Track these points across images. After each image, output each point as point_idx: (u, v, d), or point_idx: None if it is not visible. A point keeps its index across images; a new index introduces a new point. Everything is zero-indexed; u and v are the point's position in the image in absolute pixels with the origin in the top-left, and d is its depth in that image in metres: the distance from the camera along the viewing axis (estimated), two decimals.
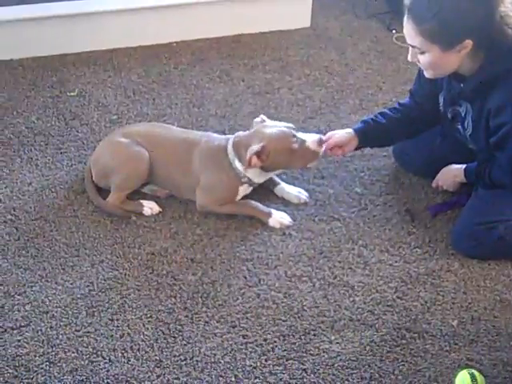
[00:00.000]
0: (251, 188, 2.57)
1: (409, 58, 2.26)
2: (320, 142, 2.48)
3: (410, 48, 2.22)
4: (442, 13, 2.08)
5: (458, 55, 2.15)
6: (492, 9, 2.08)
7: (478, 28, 2.09)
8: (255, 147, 2.40)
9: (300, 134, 2.49)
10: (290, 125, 2.52)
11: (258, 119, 2.58)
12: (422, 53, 2.18)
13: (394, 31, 3.82)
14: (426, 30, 2.11)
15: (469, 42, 2.11)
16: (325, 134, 2.57)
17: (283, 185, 2.67)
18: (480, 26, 2.09)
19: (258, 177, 2.53)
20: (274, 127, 2.49)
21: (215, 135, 2.65)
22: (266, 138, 2.43)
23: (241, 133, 2.56)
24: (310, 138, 2.48)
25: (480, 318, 2.19)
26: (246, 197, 2.58)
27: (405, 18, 2.17)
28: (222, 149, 2.53)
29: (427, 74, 2.31)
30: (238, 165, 2.49)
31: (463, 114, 2.34)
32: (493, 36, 2.11)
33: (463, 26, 2.09)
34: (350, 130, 2.58)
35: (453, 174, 2.58)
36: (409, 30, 2.17)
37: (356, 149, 2.62)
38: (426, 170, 2.70)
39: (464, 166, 2.52)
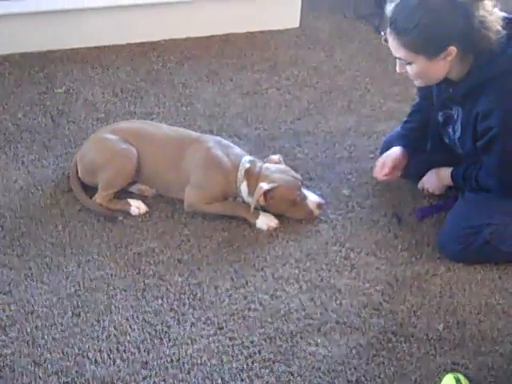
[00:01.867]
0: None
1: (397, 70, 2.27)
2: (319, 206, 2.54)
3: (397, 60, 2.24)
4: (421, 23, 2.09)
5: (445, 62, 2.17)
6: (470, 14, 2.08)
7: (458, 34, 2.11)
8: (266, 186, 2.44)
9: (304, 191, 2.54)
10: (299, 177, 2.56)
11: (275, 157, 2.62)
12: (409, 63, 2.20)
13: (382, 33, 3.78)
14: (409, 41, 2.13)
15: (453, 49, 2.12)
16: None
17: None
18: (460, 33, 2.10)
19: (252, 204, 2.50)
20: (286, 173, 2.53)
21: (219, 139, 2.63)
22: (278, 182, 2.47)
23: (257, 161, 2.57)
24: (312, 198, 2.54)
25: (465, 322, 2.21)
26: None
27: (388, 31, 2.19)
28: (233, 164, 2.53)
29: (418, 84, 2.32)
30: (243, 188, 2.52)
31: (455, 117, 2.35)
32: (476, 41, 2.12)
33: (444, 34, 2.11)
34: (398, 150, 2.59)
35: (439, 176, 2.60)
36: (392, 42, 2.19)
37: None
38: (413, 173, 2.70)
39: (451, 169, 2.53)
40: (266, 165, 2.56)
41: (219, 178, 2.53)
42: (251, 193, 2.50)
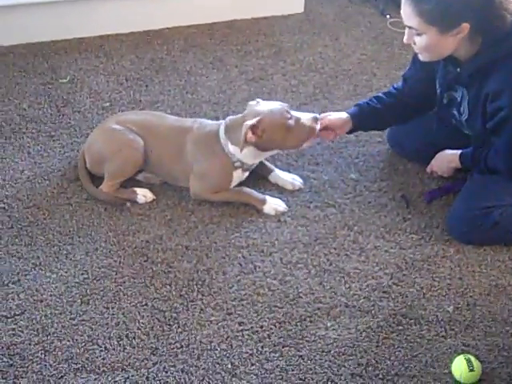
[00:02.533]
0: (246, 174, 2.55)
1: (404, 40, 2.24)
2: (315, 119, 2.46)
3: (407, 29, 2.21)
4: None
5: (455, 39, 2.14)
6: None
7: (477, 11, 2.08)
8: (250, 121, 2.38)
9: (295, 113, 2.47)
10: (285, 104, 2.49)
11: (252, 102, 2.54)
12: (419, 34, 2.17)
13: (388, 16, 3.79)
14: (425, 10, 2.10)
15: (466, 26, 2.10)
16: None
17: (277, 171, 2.66)
18: (479, 10, 2.08)
19: (251, 158, 2.49)
20: (268, 105, 2.47)
21: (207, 121, 2.63)
22: (262, 114, 2.41)
23: (232, 116, 2.54)
24: (305, 116, 2.47)
25: (475, 304, 2.20)
26: (240, 184, 2.57)
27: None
28: (213, 134, 2.51)
29: (422, 57, 2.29)
30: (230, 148, 2.46)
31: (459, 99, 2.33)
32: (491, 20, 2.11)
33: (462, 9, 2.08)
34: (344, 114, 2.57)
35: (448, 159, 2.58)
36: (407, 10, 2.15)
37: (349, 132, 2.61)
38: (421, 156, 2.69)
39: (459, 151, 2.51)
40: (246, 111, 2.50)
41: (213, 161, 2.50)
42: (238, 143, 2.42)
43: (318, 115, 2.49)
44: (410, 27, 2.18)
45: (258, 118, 2.39)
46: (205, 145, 2.51)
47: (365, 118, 2.57)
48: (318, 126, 2.47)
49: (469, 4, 2.08)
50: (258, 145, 2.44)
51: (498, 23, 2.11)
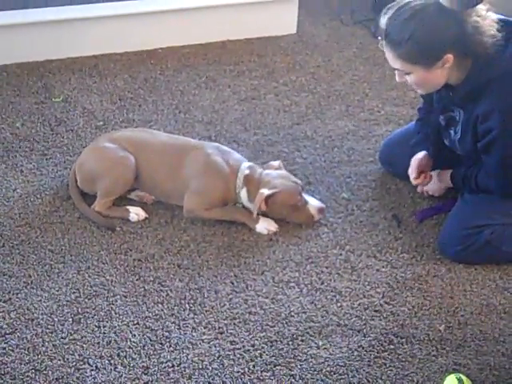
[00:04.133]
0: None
1: (397, 79, 2.29)
2: (320, 211, 2.54)
3: (396, 70, 2.25)
4: (415, 35, 2.11)
5: (443, 69, 2.18)
6: (462, 21, 2.09)
7: (453, 42, 2.12)
8: (268, 192, 2.44)
9: (305, 195, 2.54)
10: (300, 182, 2.57)
11: (275, 163, 2.61)
12: (407, 74, 2.21)
13: (379, 38, 3.80)
14: (404, 53, 2.15)
15: (449, 57, 2.13)
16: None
17: None
18: (455, 40, 2.11)
19: (253, 210, 2.51)
20: (287, 179, 2.52)
21: (214, 144, 2.65)
22: (279, 188, 2.47)
23: (257, 167, 2.57)
24: (313, 203, 2.54)
25: (467, 323, 2.20)
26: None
27: (383, 44, 2.21)
28: (232, 170, 2.53)
29: (419, 91, 2.36)
30: (243, 194, 2.52)
31: (457, 119, 2.36)
32: (471, 47, 2.13)
33: (438, 43, 2.12)
34: (422, 154, 2.54)
35: (439, 179, 2.60)
36: (388, 54, 2.21)
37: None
38: None
39: (450, 171, 2.54)
40: (267, 171, 2.56)
41: (218, 184, 2.53)
42: (251, 199, 2.51)
43: (323, 206, 2.56)
44: (396, 69, 2.22)
45: (275, 191, 2.45)
46: (218, 172, 2.53)
47: (432, 145, 2.55)
48: (321, 217, 2.55)
49: (444, 36, 2.11)
50: (263, 210, 2.50)
51: (478, 48, 2.14)
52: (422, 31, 2.11)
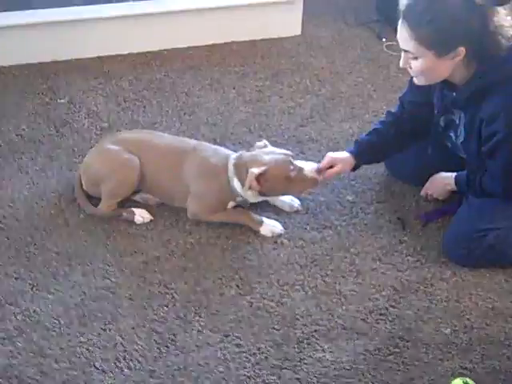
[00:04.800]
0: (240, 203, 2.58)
1: (401, 64, 2.26)
2: (318, 171, 2.49)
3: (403, 53, 2.23)
4: (438, 19, 2.09)
5: (451, 62, 2.17)
6: (486, 18, 2.09)
7: (472, 37, 2.11)
8: (256, 170, 2.40)
9: (298, 162, 2.49)
10: (289, 152, 2.53)
11: (260, 143, 2.58)
12: (415, 58, 2.19)
13: (384, 40, 3.83)
14: (421, 34, 2.12)
15: (462, 50, 2.12)
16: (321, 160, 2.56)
17: None
18: (475, 35, 2.10)
19: (253, 198, 2.52)
20: (274, 153, 2.49)
21: (211, 146, 2.65)
22: (267, 164, 2.43)
23: (243, 153, 2.56)
24: (308, 167, 2.49)
25: (473, 326, 2.20)
26: (237, 205, 2.58)
27: (399, 22, 2.17)
28: (221, 165, 2.51)
29: (418, 81, 2.31)
30: (236, 184, 2.49)
31: (457, 122, 2.35)
32: (486, 45, 2.13)
33: (458, 34, 2.11)
34: (345, 153, 2.57)
35: (443, 182, 2.60)
36: (403, 34, 2.17)
37: (352, 170, 2.61)
38: (416, 178, 2.70)
39: (454, 174, 2.54)
40: (252, 152, 2.53)
41: (214, 186, 2.52)
42: (243, 184, 2.46)
43: (320, 165, 2.51)
44: (406, 51, 2.21)
45: (263, 169, 2.40)
46: (209, 171, 2.52)
47: (366, 155, 2.57)
48: (321, 177, 2.49)
49: (465, 28, 2.10)
50: (260, 191, 2.47)
51: (492, 48, 2.13)
52: (444, 17, 2.09)
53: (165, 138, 2.70)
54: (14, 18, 3.44)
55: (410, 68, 2.25)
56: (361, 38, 3.92)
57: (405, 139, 2.59)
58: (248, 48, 3.74)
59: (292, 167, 2.45)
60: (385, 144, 2.58)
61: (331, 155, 2.55)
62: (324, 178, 2.53)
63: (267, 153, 2.50)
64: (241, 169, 2.47)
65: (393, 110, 2.62)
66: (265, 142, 2.59)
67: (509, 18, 2.14)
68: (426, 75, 2.26)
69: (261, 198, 2.56)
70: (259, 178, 2.41)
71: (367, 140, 2.58)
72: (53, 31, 3.47)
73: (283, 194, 2.57)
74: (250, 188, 2.42)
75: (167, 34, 3.66)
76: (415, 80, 2.32)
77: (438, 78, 2.27)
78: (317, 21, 4.05)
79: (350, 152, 2.57)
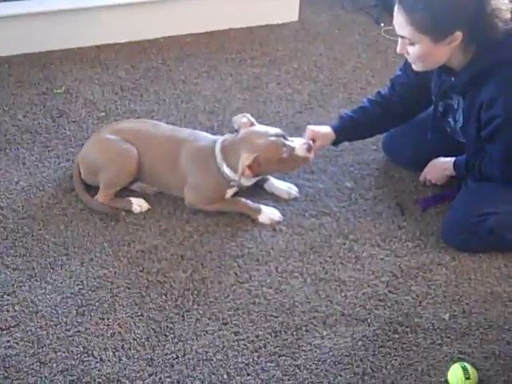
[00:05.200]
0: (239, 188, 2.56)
1: (397, 50, 2.25)
2: (309, 148, 2.45)
3: (400, 39, 2.21)
4: (433, 3, 2.08)
5: (448, 47, 2.15)
6: (483, 1, 2.07)
7: (469, 20, 2.09)
8: (247, 160, 2.37)
9: (289, 141, 2.44)
10: (278, 130, 2.47)
11: (243, 119, 2.51)
12: (412, 44, 2.18)
13: (382, 24, 3.80)
14: (417, 19, 2.10)
15: (459, 34, 2.10)
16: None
17: (273, 180, 2.66)
18: (471, 19, 2.08)
19: (246, 181, 2.51)
20: (264, 136, 2.43)
21: (202, 134, 2.62)
22: (258, 150, 2.39)
23: (228, 136, 2.53)
24: (299, 145, 2.44)
25: (471, 311, 2.20)
26: (235, 193, 2.57)
27: (395, 8, 2.16)
28: (209, 151, 2.49)
29: (415, 67, 2.30)
30: (226, 170, 2.46)
31: (456, 107, 2.34)
32: (483, 29, 2.11)
33: (454, 18, 2.09)
34: (327, 127, 2.58)
35: (442, 167, 2.58)
36: (399, 19, 2.15)
37: (333, 144, 2.63)
38: (415, 164, 2.69)
39: (453, 159, 2.52)
40: (241, 132, 2.47)
41: (209, 176, 2.50)
42: (235, 169, 2.43)
43: (310, 142, 2.47)
44: (402, 37, 2.19)
45: (254, 156, 2.37)
46: (200, 160, 2.51)
47: (348, 132, 2.59)
48: (312, 155, 2.47)
49: (461, 12, 2.08)
50: (254, 174, 2.45)
51: (490, 31, 2.12)
52: (440, 2, 2.08)
53: (162, 127, 2.68)
54: (10, 7, 3.42)
55: (408, 54, 2.23)
56: (359, 23, 3.90)
57: (389, 120, 2.61)
58: (245, 35, 3.72)
59: (284, 149, 2.41)
60: (368, 123, 2.59)
61: (312, 128, 2.55)
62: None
63: (259, 134, 2.44)
64: (229, 154, 2.45)
65: (382, 92, 2.61)
66: (248, 116, 2.52)
67: (506, 0, 2.12)
68: (423, 61, 2.24)
69: (256, 179, 2.54)
70: (250, 164, 2.38)
71: (351, 117, 2.59)
72: (49, 20, 3.45)
73: (276, 173, 2.57)
74: (242, 175, 2.40)
75: (164, 22, 3.64)
76: (413, 66, 2.31)
77: (435, 64, 2.25)
78: (314, 6, 4.02)
79: (332, 127, 2.58)
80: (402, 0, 2.13)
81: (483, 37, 2.14)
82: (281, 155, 2.41)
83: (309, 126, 2.57)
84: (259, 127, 2.51)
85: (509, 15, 2.12)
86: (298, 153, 2.43)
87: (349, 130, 2.58)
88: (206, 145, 2.52)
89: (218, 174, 2.48)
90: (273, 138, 2.43)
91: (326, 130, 2.58)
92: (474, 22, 2.09)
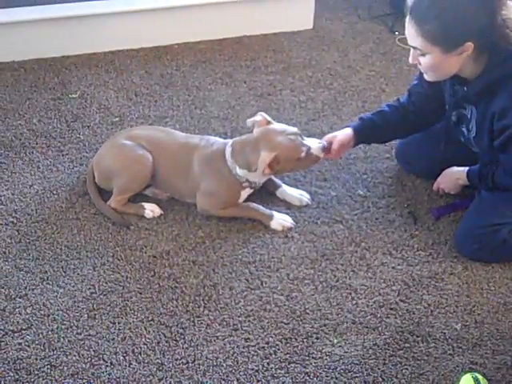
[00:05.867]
0: (253, 189, 2.56)
1: (410, 60, 2.25)
2: (323, 149, 2.47)
3: (412, 49, 2.22)
4: (443, 14, 2.07)
5: (459, 58, 2.15)
6: (494, 12, 2.07)
7: (479, 31, 2.08)
8: (268, 158, 2.37)
9: (305, 140, 2.47)
10: (296, 129, 2.49)
11: (258, 117, 2.52)
12: (423, 55, 2.18)
13: (396, 33, 3.80)
14: (428, 31, 2.11)
15: (470, 45, 2.10)
16: (326, 139, 2.56)
17: (285, 187, 2.66)
18: (481, 29, 2.08)
19: (259, 178, 2.52)
20: (283, 134, 2.44)
21: (213, 139, 2.62)
22: (278, 148, 2.40)
23: (238, 138, 2.55)
24: (315, 145, 2.46)
25: (483, 322, 2.18)
26: (248, 199, 2.57)
27: (407, 19, 2.17)
28: (219, 154, 2.51)
29: (428, 77, 2.30)
30: (238, 171, 2.47)
31: (469, 116, 2.33)
32: (495, 39, 2.10)
33: (465, 29, 2.09)
34: (348, 130, 2.58)
35: (455, 176, 2.57)
36: (410, 30, 2.16)
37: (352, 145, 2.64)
38: (428, 173, 2.68)
39: (466, 168, 2.51)
40: (258, 129, 2.47)
41: (222, 182, 2.50)
42: (250, 168, 2.43)
43: (325, 143, 2.50)
44: (414, 47, 2.19)
45: (274, 154, 2.38)
46: (211, 164, 2.51)
47: (367, 134, 2.60)
48: (323, 155, 2.49)
49: (471, 23, 2.08)
50: (272, 172, 2.46)
51: (501, 42, 2.11)
52: (450, 13, 2.07)
53: (176, 134, 2.68)
54: (26, 13, 3.46)
55: (420, 64, 2.24)
56: (373, 31, 3.90)
57: (406, 127, 2.61)
58: (259, 42, 3.73)
59: (303, 148, 2.43)
60: (386, 127, 2.59)
61: (337, 140, 2.54)
62: (333, 154, 2.54)
63: (278, 133, 2.44)
64: (242, 154, 2.45)
65: (401, 99, 2.62)
66: (263, 114, 2.52)
67: None
68: (434, 71, 2.24)
69: (267, 177, 2.56)
70: (271, 162, 2.39)
71: (371, 119, 2.60)
72: (64, 26, 3.48)
73: (289, 172, 2.58)
74: (264, 175, 2.42)
75: (178, 28, 3.66)
76: (425, 76, 2.31)
77: (447, 74, 2.25)
78: (329, 14, 4.04)
79: (352, 127, 2.59)
80: (412, 11, 2.14)
81: (495, 47, 2.13)
82: (299, 154, 2.42)
83: (330, 137, 2.57)
84: (277, 125, 2.51)
85: None
86: (314, 152, 2.45)
87: (368, 131, 2.58)
88: (216, 148, 2.53)
89: (230, 176, 2.48)
90: (292, 137, 2.43)
91: (348, 134, 2.57)
92: (484, 33, 2.09)
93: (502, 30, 2.09)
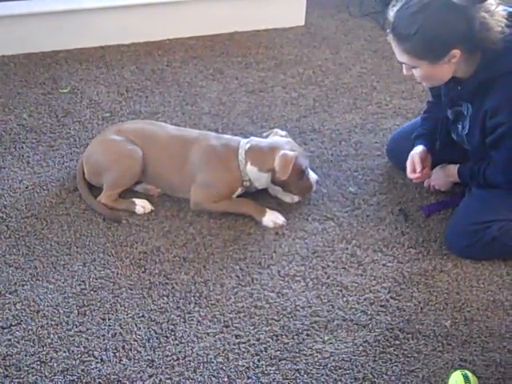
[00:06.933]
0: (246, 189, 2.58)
1: (404, 72, 2.27)
2: (316, 182, 2.61)
3: (403, 64, 2.23)
4: (422, 30, 2.08)
5: (450, 64, 2.16)
6: (470, 17, 2.06)
7: (462, 38, 2.09)
8: (293, 153, 2.47)
9: None
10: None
11: (282, 132, 2.65)
12: (413, 67, 2.20)
13: (388, 30, 3.79)
14: (410, 48, 2.13)
15: (456, 52, 2.11)
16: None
17: None
18: (464, 36, 2.08)
19: (261, 183, 2.54)
20: (296, 145, 2.59)
21: (212, 134, 2.64)
22: (297, 151, 2.51)
23: (256, 139, 2.58)
24: (312, 174, 2.60)
25: (473, 319, 2.19)
26: (240, 195, 2.57)
27: (390, 36, 2.18)
28: (232, 149, 2.53)
29: (425, 85, 2.36)
30: (248, 168, 2.50)
31: (465, 113, 2.34)
32: (479, 42, 2.11)
33: (445, 39, 2.09)
34: (422, 148, 2.52)
35: (446, 173, 2.58)
36: (395, 48, 2.19)
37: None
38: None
39: (457, 165, 2.52)
40: (275, 137, 2.60)
41: (223, 174, 2.52)
42: (263, 169, 2.49)
43: (318, 178, 2.64)
44: (402, 63, 2.21)
45: (295, 153, 2.47)
46: (218, 157, 2.52)
47: (433, 140, 2.55)
48: (314, 188, 2.61)
49: (452, 32, 2.08)
50: (276, 177, 2.49)
51: (486, 44, 2.11)
52: (429, 26, 2.08)
53: (167, 128, 2.69)
54: (16, 7, 3.43)
55: (414, 75, 2.25)
56: (365, 28, 3.90)
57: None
58: (251, 38, 3.72)
59: (307, 164, 2.54)
60: (437, 128, 2.55)
61: (418, 162, 2.49)
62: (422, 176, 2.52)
63: (291, 143, 2.58)
64: (258, 153, 2.50)
65: (430, 100, 2.65)
66: (286, 133, 2.66)
67: (499, 8, 2.11)
68: (429, 80, 2.27)
69: (267, 186, 2.58)
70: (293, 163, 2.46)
71: (427, 129, 2.57)
72: (55, 21, 3.46)
73: (287, 188, 2.58)
74: (286, 172, 2.45)
75: (170, 24, 3.65)
76: (423, 84, 2.35)
77: (443, 80, 2.27)
78: (321, 11, 4.03)
79: (426, 147, 2.52)
80: (393, 30, 2.15)
81: (483, 49, 2.14)
82: (305, 168, 2.52)
83: (416, 159, 2.50)
84: (291, 140, 2.65)
85: (501, 25, 2.10)
86: (310, 178, 2.56)
87: (431, 137, 2.55)
88: (229, 144, 2.55)
89: (236, 171, 2.51)
90: (303, 150, 2.64)
91: (424, 150, 2.52)
92: (467, 39, 2.09)
93: (481, 33, 2.09)
